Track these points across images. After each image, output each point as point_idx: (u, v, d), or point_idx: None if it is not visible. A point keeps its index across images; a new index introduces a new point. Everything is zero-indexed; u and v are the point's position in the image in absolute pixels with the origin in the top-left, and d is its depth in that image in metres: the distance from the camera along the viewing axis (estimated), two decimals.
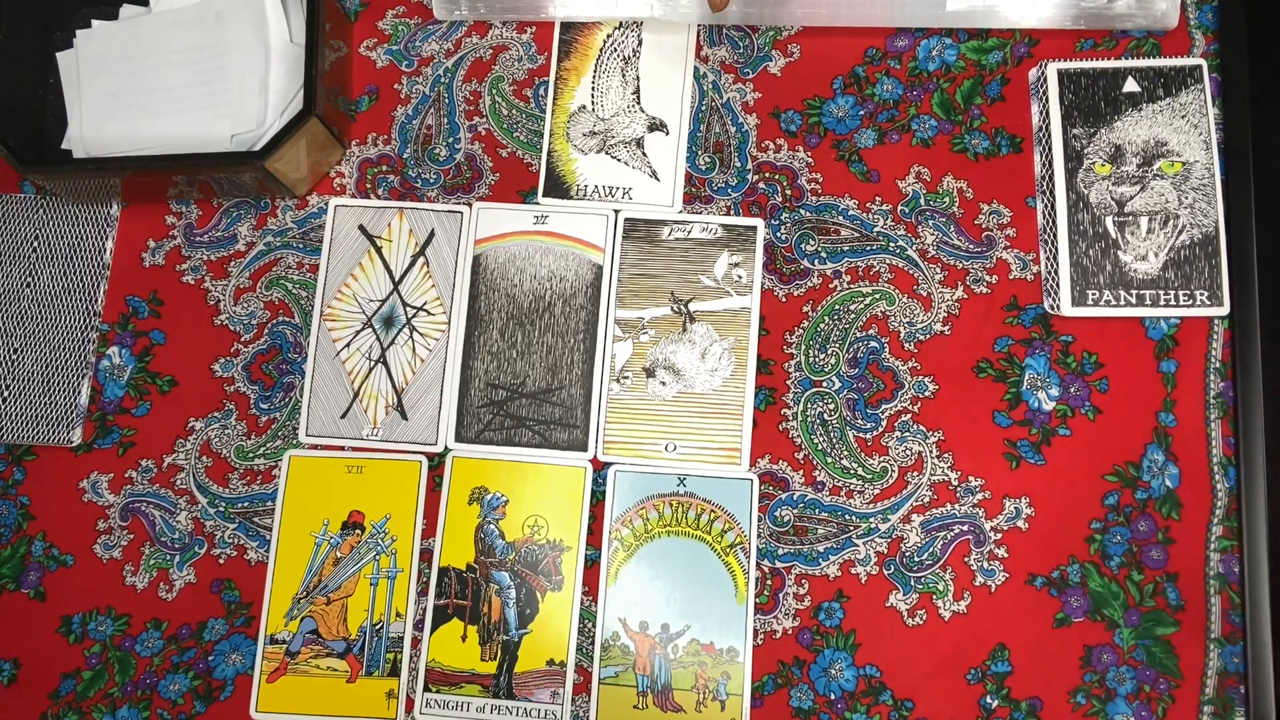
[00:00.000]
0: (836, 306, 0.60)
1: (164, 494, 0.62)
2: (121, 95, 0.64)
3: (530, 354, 0.61)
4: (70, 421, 0.62)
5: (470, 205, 0.64)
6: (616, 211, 0.63)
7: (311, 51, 0.59)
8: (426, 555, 0.60)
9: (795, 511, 0.58)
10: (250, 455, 0.62)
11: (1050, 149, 0.59)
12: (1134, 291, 0.57)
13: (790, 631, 0.57)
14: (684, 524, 0.58)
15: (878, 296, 0.60)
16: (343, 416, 0.61)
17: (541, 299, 0.62)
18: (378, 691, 0.58)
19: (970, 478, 0.58)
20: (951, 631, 0.56)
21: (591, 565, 0.59)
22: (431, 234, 0.63)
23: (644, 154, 0.63)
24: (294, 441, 0.61)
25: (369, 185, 0.65)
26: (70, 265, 0.65)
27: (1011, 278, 0.60)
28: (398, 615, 0.59)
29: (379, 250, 0.63)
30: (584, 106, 0.64)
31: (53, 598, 0.61)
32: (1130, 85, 0.59)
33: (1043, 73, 0.60)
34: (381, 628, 0.59)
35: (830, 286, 0.61)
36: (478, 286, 0.62)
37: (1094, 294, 0.57)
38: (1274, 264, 0.57)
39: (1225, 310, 0.57)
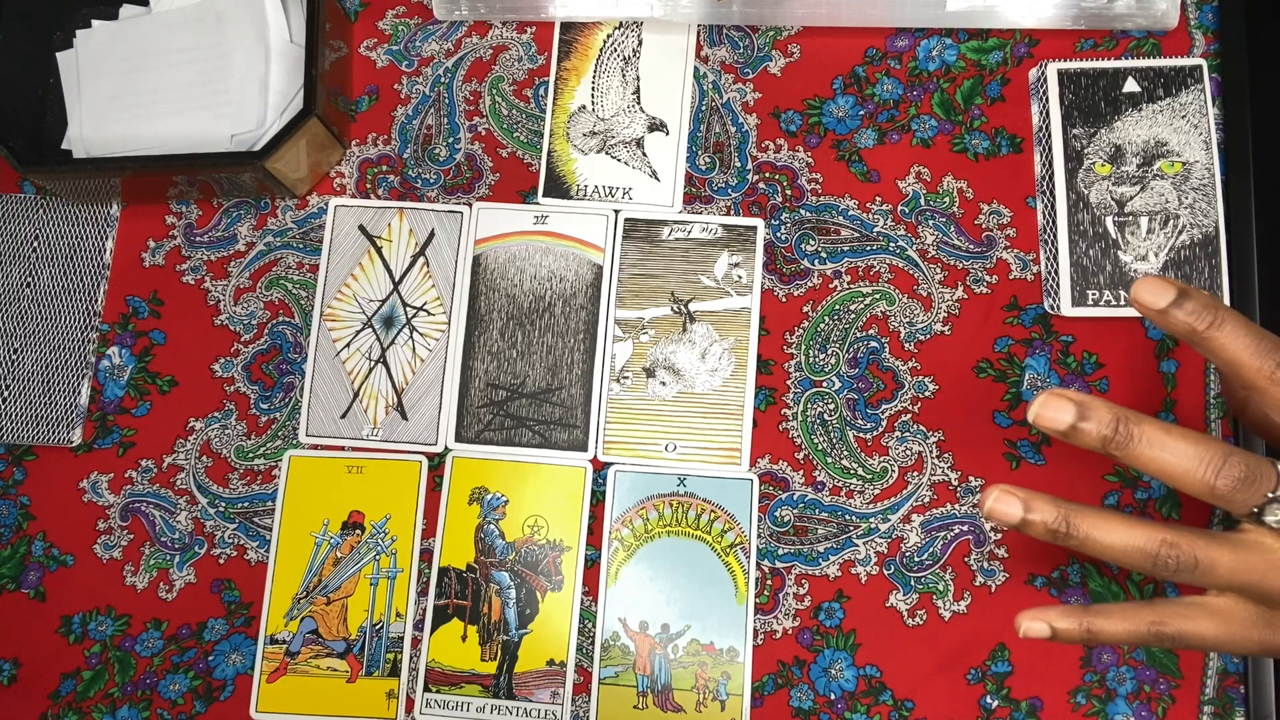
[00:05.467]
0: (836, 306, 0.60)
1: (164, 494, 0.62)
2: (121, 95, 0.64)
3: (530, 354, 0.61)
4: (70, 421, 0.62)
5: (470, 205, 0.64)
6: (616, 211, 0.63)
7: (311, 51, 0.60)
8: (426, 555, 0.60)
9: (795, 511, 0.58)
10: (250, 455, 0.62)
11: (1050, 149, 0.59)
12: None
13: (790, 631, 0.57)
14: (684, 524, 0.59)
15: (878, 296, 0.60)
16: (343, 416, 0.61)
17: (541, 299, 0.62)
18: (378, 691, 0.58)
19: (970, 478, 0.58)
20: (951, 631, 0.56)
21: (591, 565, 0.59)
22: (431, 234, 0.63)
23: (644, 154, 0.63)
24: (294, 441, 0.61)
25: (369, 185, 0.65)
26: (70, 265, 0.65)
27: (1011, 278, 0.60)
28: (398, 615, 0.59)
29: (379, 250, 0.63)
30: (584, 106, 0.64)
31: (53, 598, 0.61)
32: (1130, 85, 0.59)
33: (1043, 73, 0.60)
34: (381, 628, 0.59)
35: (830, 286, 0.61)
36: (478, 286, 0.62)
37: (1094, 294, 0.57)
38: (1274, 264, 0.57)
39: None
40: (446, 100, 0.65)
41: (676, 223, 0.62)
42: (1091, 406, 0.37)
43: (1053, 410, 0.37)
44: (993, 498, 0.39)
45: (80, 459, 0.63)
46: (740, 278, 0.61)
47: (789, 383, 0.60)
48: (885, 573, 0.57)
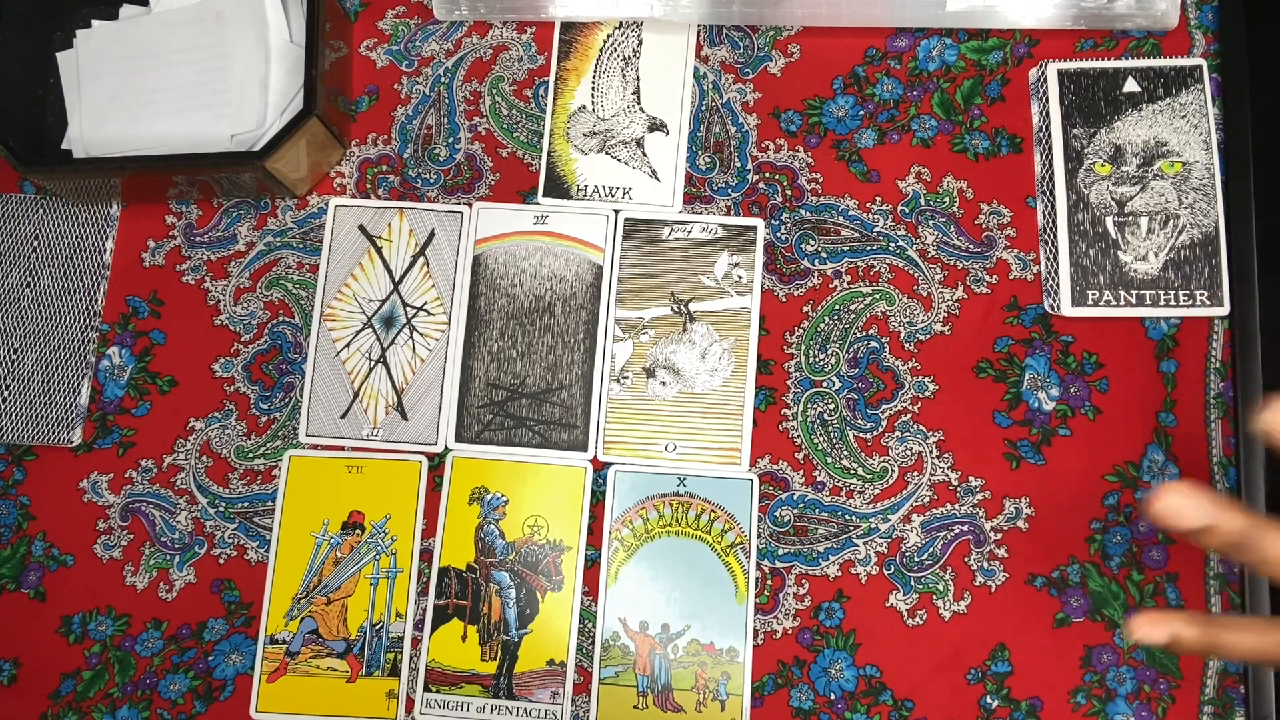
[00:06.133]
0: (836, 306, 0.60)
1: (164, 494, 0.62)
2: (121, 95, 0.64)
3: (530, 354, 0.61)
4: (70, 421, 0.62)
5: (470, 205, 0.64)
6: (616, 211, 0.63)
7: (311, 51, 0.59)
8: (426, 555, 0.60)
9: (795, 511, 0.58)
10: (250, 455, 0.62)
11: (1050, 149, 0.59)
12: (1134, 291, 0.57)
13: (790, 631, 0.57)
14: (684, 524, 0.59)
15: (878, 296, 0.60)
16: (343, 416, 0.61)
17: (541, 299, 0.62)
18: (378, 691, 0.58)
19: (970, 478, 0.58)
20: (951, 631, 0.56)
21: (591, 565, 0.59)
22: (431, 234, 0.63)
23: (644, 154, 0.63)
24: (294, 441, 0.61)
25: (369, 185, 0.65)
26: (70, 265, 0.65)
27: (1011, 278, 0.60)
28: (398, 615, 0.59)
29: (379, 250, 0.63)
30: (584, 106, 0.64)
31: (53, 598, 0.61)
32: (1130, 85, 0.59)
33: (1043, 73, 0.60)
34: (381, 628, 0.59)
35: (830, 286, 0.61)
36: (478, 286, 0.62)
37: (1094, 294, 0.57)
38: (1274, 264, 0.57)
39: (1225, 310, 0.57)
40: (446, 100, 0.65)
41: (676, 223, 0.62)
42: (1221, 513, 0.35)
43: (1178, 510, 0.35)
44: (1141, 631, 0.37)
45: (80, 459, 0.63)
46: (740, 278, 0.61)
47: (789, 383, 0.60)
48: (885, 573, 0.57)
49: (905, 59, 0.63)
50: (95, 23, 0.66)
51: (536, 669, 0.58)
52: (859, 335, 0.60)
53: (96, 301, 0.64)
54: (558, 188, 0.63)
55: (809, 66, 0.64)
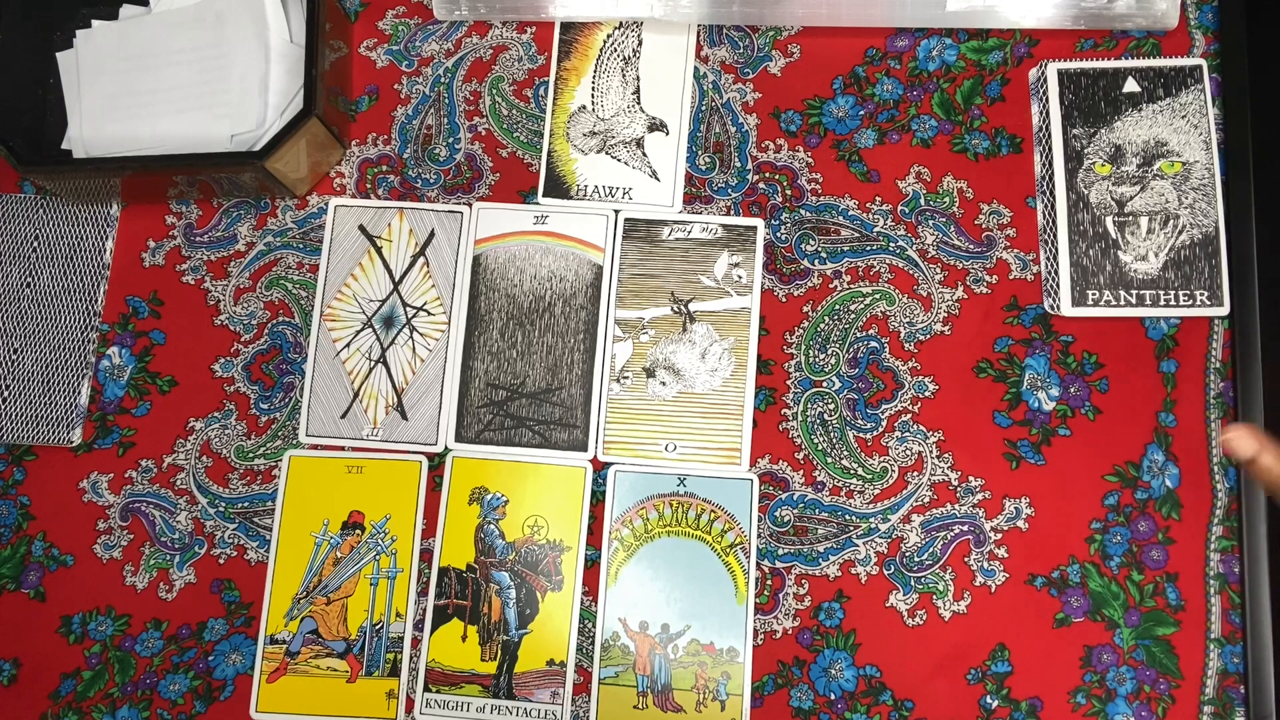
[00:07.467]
0: (836, 306, 0.60)
1: (164, 494, 0.62)
2: (121, 95, 0.64)
3: (530, 354, 0.61)
4: (70, 421, 0.62)
5: (470, 205, 0.64)
6: (616, 211, 0.63)
7: (311, 51, 0.59)
8: (426, 555, 0.60)
9: (795, 511, 0.58)
10: (250, 455, 0.62)
11: (1050, 149, 0.59)
12: (1134, 291, 0.57)
13: (790, 631, 0.57)
14: (684, 524, 0.59)
15: (878, 296, 0.60)
16: (343, 416, 0.61)
17: (541, 299, 0.62)
18: (378, 691, 0.58)
19: (970, 478, 0.58)
20: (951, 631, 0.56)
21: (591, 565, 0.59)
22: (431, 234, 0.63)
23: (644, 154, 0.63)
24: (294, 441, 0.61)
25: (369, 185, 0.65)
26: (70, 265, 0.65)
27: (1011, 278, 0.60)
28: (398, 615, 0.59)
29: (379, 250, 0.63)
30: (584, 106, 0.64)
31: (53, 598, 0.61)
32: (1130, 85, 0.59)
33: (1043, 73, 0.60)
34: (381, 628, 0.59)
35: (830, 286, 0.61)
36: (478, 286, 0.62)
37: (1094, 294, 0.57)
38: (1274, 264, 0.57)
39: (1225, 310, 0.57)
40: (446, 100, 0.65)
41: (676, 223, 0.62)
42: (1266, 448, 0.46)
43: (1234, 441, 0.47)
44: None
45: (80, 459, 0.63)
46: (740, 278, 0.61)
47: (789, 383, 0.60)
48: (885, 573, 0.57)
49: (905, 59, 0.63)
50: (95, 23, 0.66)
51: (536, 669, 0.58)
52: (859, 335, 0.60)
53: (96, 301, 0.64)
54: (558, 188, 0.63)
55: (809, 66, 0.64)
